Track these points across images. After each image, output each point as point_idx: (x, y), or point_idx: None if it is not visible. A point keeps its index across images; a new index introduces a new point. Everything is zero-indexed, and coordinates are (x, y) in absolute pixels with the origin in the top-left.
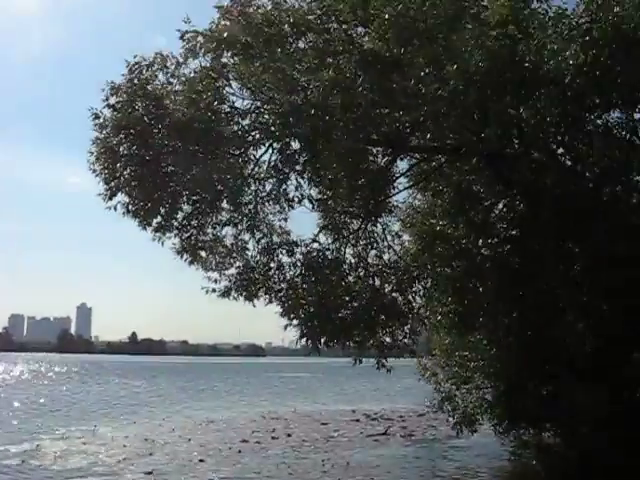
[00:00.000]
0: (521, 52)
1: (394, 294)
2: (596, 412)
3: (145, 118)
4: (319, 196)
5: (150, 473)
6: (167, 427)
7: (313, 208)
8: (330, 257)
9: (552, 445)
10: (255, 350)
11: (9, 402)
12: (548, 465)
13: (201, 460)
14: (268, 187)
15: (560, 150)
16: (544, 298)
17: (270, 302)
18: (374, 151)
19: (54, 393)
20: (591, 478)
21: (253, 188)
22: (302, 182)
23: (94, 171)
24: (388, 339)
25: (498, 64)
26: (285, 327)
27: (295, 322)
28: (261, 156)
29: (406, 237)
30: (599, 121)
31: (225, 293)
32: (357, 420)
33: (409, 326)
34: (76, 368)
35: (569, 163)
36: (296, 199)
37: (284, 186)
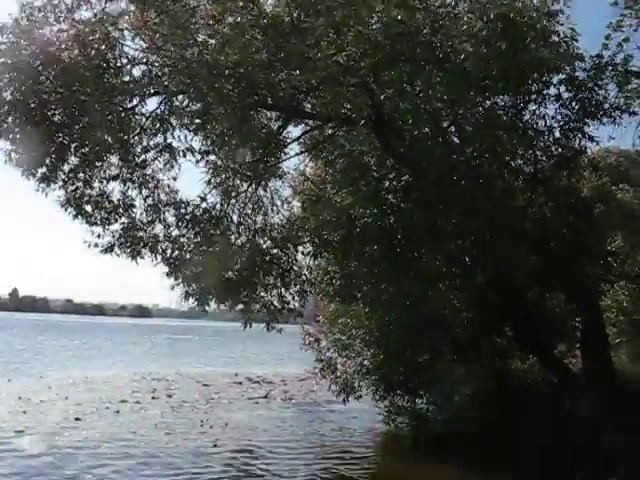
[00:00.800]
0: (417, 25)
1: (278, 253)
2: (468, 381)
3: (32, 63)
4: (206, 148)
5: (21, 431)
6: (44, 385)
7: (198, 162)
8: (216, 216)
9: (425, 411)
10: (142, 311)
11: None
12: (419, 430)
13: (77, 419)
14: (156, 140)
15: (449, 127)
16: (423, 268)
17: (156, 261)
18: (267, 115)
19: None
20: (457, 444)
21: (142, 142)
22: (188, 135)
23: None
24: (276, 302)
25: (393, 34)
26: (172, 287)
27: (180, 282)
28: (153, 111)
29: (295, 203)
30: (488, 102)
31: (108, 249)
32: (240, 383)
33: (297, 289)
34: None
35: (456, 140)
36: (181, 152)
37: (169, 139)
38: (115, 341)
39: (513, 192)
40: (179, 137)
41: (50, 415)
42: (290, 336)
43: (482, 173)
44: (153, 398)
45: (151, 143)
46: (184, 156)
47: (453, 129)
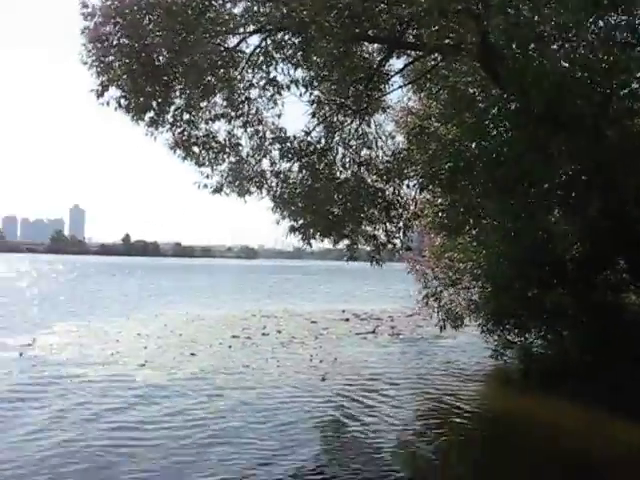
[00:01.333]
0: None
1: (383, 186)
2: (579, 315)
3: (135, 7)
4: (309, 80)
5: (143, 365)
6: (159, 323)
7: (302, 95)
8: (320, 149)
9: (534, 345)
10: (248, 252)
11: (6, 298)
12: (528, 364)
13: (192, 354)
14: (258, 77)
15: (559, 50)
16: (532, 198)
17: (262, 197)
18: (369, 47)
19: (48, 290)
20: (568, 380)
21: (244, 79)
22: (291, 68)
23: (85, 63)
24: (381, 236)
25: None
26: (277, 222)
27: (286, 217)
28: (256, 47)
29: (399, 138)
30: (600, 22)
31: (217, 189)
32: (347, 319)
33: (402, 222)
34: (70, 268)
35: (566, 64)
36: (285, 86)
37: (273, 73)
38: (223, 281)
39: (631, 115)
40: (283, 70)
41: (167, 350)
42: (395, 273)
43: (596, 95)
44: (263, 334)
45: (255, 78)
46: (288, 89)
47: (563, 52)
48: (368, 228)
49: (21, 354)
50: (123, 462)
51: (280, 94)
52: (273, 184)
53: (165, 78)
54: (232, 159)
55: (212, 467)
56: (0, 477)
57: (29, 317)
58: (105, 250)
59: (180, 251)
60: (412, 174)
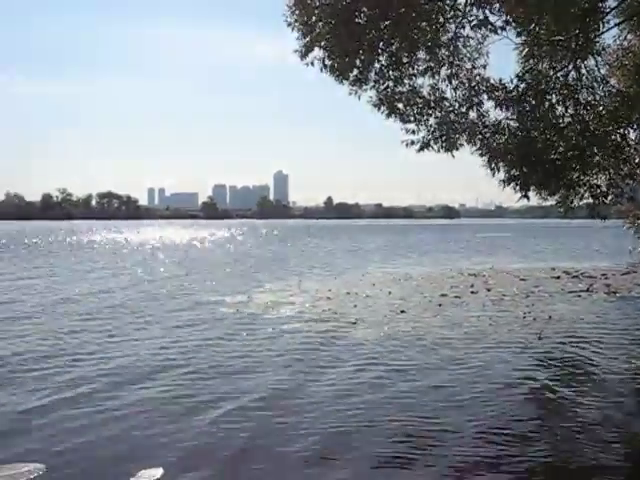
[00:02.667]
0: None
1: (607, 130)
2: None
3: None
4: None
5: (354, 323)
6: (367, 281)
7: (520, 34)
8: (536, 94)
9: None
10: (448, 212)
11: (222, 261)
12: None
13: (402, 311)
14: (465, 21)
15: None
16: None
17: (474, 149)
18: None
19: (260, 252)
20: None
21: (447, 32)
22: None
23: (289, 24)
24: (603, 185)
25: None
26: (493, 174)
27: (501, 168)
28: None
29: (613, 82)
30: None
31: (425, 145)
32: (557, 277)
33: (627, 169)
34: (276, 231)
35: None
36: (499, 27)
37: (486, 12)
38: (426, 241)
39: None
40: (497, 9)
41: (377, 309)
42: (608, 231)
43: None
44: (472, 292)
45: (462, 24)
46: (503, 30)
47: None
48: (588, 177)
49: (237, 310)
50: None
51: (497, 32)
52: (485, 135)
53: (368, 35)
54: (437, 114)
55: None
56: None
57: (246, 277)
58: (308, 213)
59: (381, 212)
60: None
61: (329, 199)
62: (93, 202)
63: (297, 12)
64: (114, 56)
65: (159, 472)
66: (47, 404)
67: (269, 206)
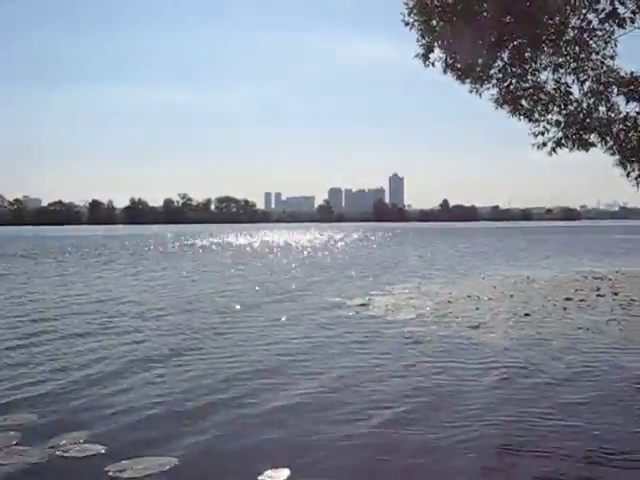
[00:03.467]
0: None
1: None
2: None
3: None
4: None
5: (476, 327)
6: (488, 285)
7: None
8: None
9: None
10: (568, 214)
11: (342, 263)
12: None
13: (526, 314)
14: (592, 16)
15: None
16: None
17: (605, 147)
18: None
19: (377, 255)
20: None
21: (575, 25)
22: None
23: (407, 24)
24: None
25: None
26: (627, 174)
27: (635, 167)
28: None
29: None
30: None
31: (557, 145)
32: None
33: None
34: (393, 234)
35: None
36: (628, 18)
37: (615, 3)
38: (545, 243)
39: None
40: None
41: (499, 312)
42: None
43: None
44: (598, 296)
45: (588, 18)
46: (631, 22)
47: None
48: None
49: (357, 312)
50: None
51: (623, 27)
52: (617, 131)
53: (490, 32)
54: (563, 110)
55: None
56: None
57: (366, 279)
58: (424, 216)
59: (498, 214)
60: None
61: (445, 202)
62: (212, 206)
63: (417, 12)
64: (228, 64)
65: (285, 473)
66: (183, 399)
67: (385, 209)
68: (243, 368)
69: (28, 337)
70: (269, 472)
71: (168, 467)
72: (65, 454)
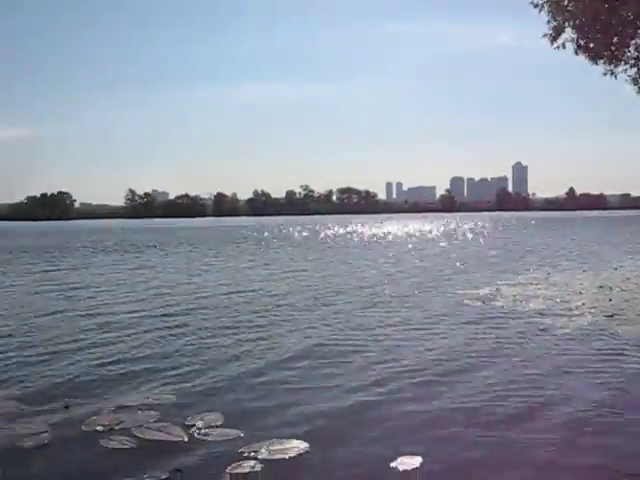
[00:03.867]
0: None
1: None
2: None
3: None
4: None
5: (611, 316)
6: (620, 275)
7: None
8: None
9: None
10: None
11: (469, 254)
12: None
13: None
14: None
15: None
16: None
17: None
18: None
19: (503, 245)
20: None
21: None
22: None
23: (536, 5)
24: None
25: None
26: None
27: None
28: None
29: None
30: None
31: None
32: None
33: None
34: (518, 223)
35: None
36: None
37: None
38: None
39: None
40: None
41: (635, 303)
42: None
43: None
44: None
45: None
46: None
47: None
48: None
49: (483, 302)
50: None
51: None
52: None
53: (628, 9)
54: None
55: None
56: None
57: (493, 269)
58: (549, 205)
59: (628, 203)
60: None
61: (571, 190)
62: (333, 197)
63: None
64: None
65: (417, 460)
66: (316, 389)
67: (508, 198)
68: (385, 364)
69: (173, 326)
70: (401, 459)
71: (300, 450)
72: (201, 433)
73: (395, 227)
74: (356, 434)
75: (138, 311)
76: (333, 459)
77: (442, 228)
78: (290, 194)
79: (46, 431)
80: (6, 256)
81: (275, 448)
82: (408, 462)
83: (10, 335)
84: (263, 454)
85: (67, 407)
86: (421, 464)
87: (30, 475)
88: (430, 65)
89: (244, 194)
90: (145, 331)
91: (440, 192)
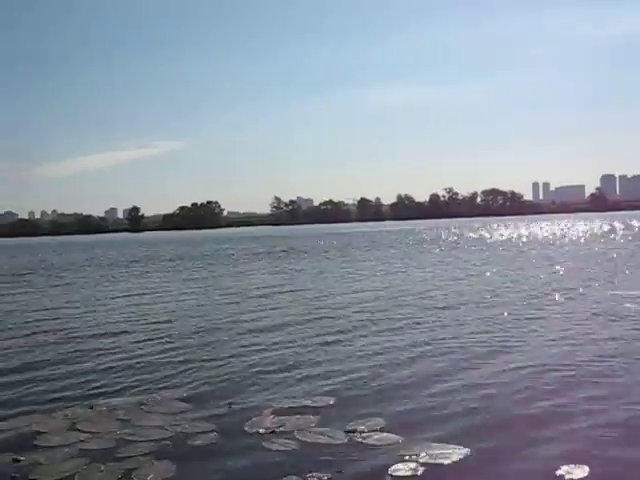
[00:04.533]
0: None
1: None
2: None
3: None
4: None
5: None
6: None
7: None
8: None
9: None
10: None
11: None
12: None
13: None
14: None
15: None
16: None
17: None
18: None
19: None
20: None
21: None
22: None
23: None
24: None
25: None
26: None
27: None
28: None
29: None
30: None
31: None
32: None
33: None
34: None
35: None
36: None
37: None
38: None
39: None
40: None
41: None
42: None
43: None
44: None
45: None
46: None
47: None
48: None
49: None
50: None
51: None
52: None
53: None
54: None
55: None
56: None
57: None
58: None
59: None
60: None
61: None
62: (478, 199)
63: None
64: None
65: (585, 470)
66: (487, 396)
67: None
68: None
69: (336, 332)
70: (566, 468)
71: (461, 457)
72: (362, 437)
73: (556, 227)
74: (519, 442)
75: (303, 314)
76: (496, 466)
77: (594, 228)
78: (434, 197)
79: (213, 430)
80: (173, 262)
81: (435, 452)
82: (575, 471)
83: (183, 337)
84: (424, 458)
85: (231, 407)
86: (588, 474)
87: (201, 471)
88: (561, 57)
89: (387, 198)
90: (306, 336)
91: (589, 190)
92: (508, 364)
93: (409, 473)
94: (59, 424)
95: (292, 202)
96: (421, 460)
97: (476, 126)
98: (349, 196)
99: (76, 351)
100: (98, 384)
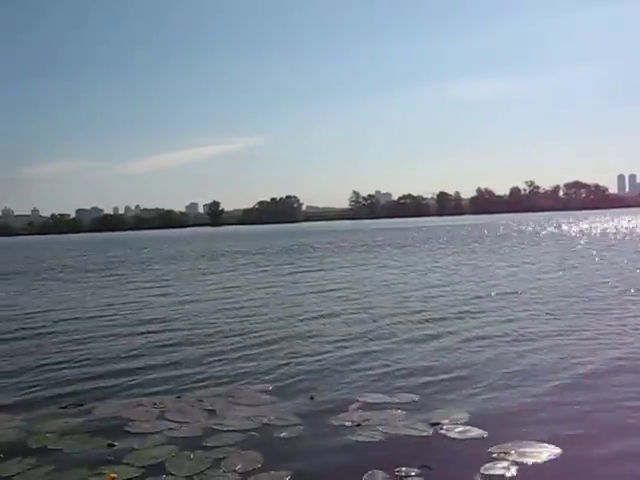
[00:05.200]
0: None
1: None
2: None
3: None
4: None
5: None
6: None
7: None
8: None
9: None
10: None
11: None
12: None
13: None
14: None
15: None
16: None
17: None
18: None
19: None
20: None
21: None
22: None
23: None
24: None
25: None
26: None
27: None
28: None
29: None
30: None
31: None
32: None
33: None
34: None
35: None
36: None
37: None
38: None
39: None
40: None
41: None
42: None
43: None
44: None
45: None
46: None
47: None
48: None
49: None
50: None
51: None
52: None
53: None
54: None
55: None
56: None
57: None
58: None
59: None
60: None
61: None
62: (560, 192)
63: None
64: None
65: None
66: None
67: None
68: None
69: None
70: None
71: (552, 456)
72: (447, 432)
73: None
74: (614, 444)
75: (389, 307)
76: (590, 467)
77: None
78: (514, 191)
79: (299, 424)
80: (261, 255)
81: (525, 450)
82: None
83: (260, 330)
84: (513, 456)
85: (312, 399)
86: None
87: (288, 462)
88: None
89: (466, 192)
90: (393, 329)
91: None
92: (616, 361)
93: (501, 472)
94: (148, 413)
95: (370, 196)
96: (511, 458)
97: (560, 118)
98: (428, 190)
99: (170, 339)
100: (186, 375)
